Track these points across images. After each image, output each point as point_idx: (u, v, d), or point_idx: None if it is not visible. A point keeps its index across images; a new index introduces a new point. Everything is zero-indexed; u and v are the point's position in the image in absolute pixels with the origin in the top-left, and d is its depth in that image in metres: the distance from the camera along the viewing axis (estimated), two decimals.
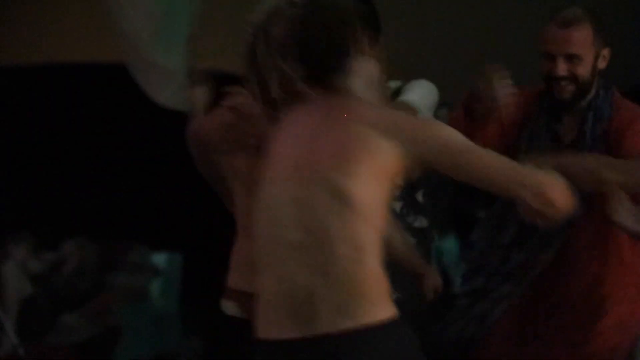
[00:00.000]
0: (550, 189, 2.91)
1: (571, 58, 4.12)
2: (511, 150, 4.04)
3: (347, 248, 2.90)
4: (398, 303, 2.92)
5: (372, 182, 2.94)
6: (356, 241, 2.91)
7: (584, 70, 4.12)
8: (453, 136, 2.97)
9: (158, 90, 5.57)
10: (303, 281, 2.90)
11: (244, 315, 3.30)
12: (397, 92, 4.16)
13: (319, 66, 3.01)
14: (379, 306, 2.88)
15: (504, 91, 4.06)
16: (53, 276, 7.63)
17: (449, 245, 7.01)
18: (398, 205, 4.33)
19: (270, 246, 2.98)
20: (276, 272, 2.95)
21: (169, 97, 5.50)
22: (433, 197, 4.55)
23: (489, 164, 2.96)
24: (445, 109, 5.45)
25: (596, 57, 4.13)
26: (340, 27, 3.01)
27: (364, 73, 3.05)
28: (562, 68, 4.11)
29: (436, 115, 4.28)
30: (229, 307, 3.40)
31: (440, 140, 2.96)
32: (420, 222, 4.45)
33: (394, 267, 3.23)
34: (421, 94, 4.21)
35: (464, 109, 4.11)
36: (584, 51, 4.12)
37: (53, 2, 8.00)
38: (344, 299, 2.86)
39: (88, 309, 7.52)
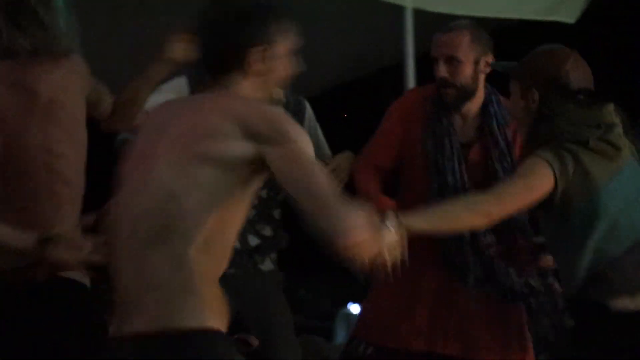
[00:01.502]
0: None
1: (451, 60, 4.10)
2: (415, 145, 4.20)
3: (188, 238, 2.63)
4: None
5: (220, 170, 2.66)
6: (198, 234, 2.63)
7: (463, 74, 4.11)
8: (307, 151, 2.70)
9: None
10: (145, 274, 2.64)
11: None
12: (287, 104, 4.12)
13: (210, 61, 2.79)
14: (203, 313, 2.63)
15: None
16: None
17: None
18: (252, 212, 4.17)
19: (121, 236, 2.71)
20: (128, 265, 2.69)
21: None
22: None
23: (323, 187, 2.65)
24: None
25: (476, 62, 4.13)
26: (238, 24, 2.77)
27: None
28: (442, 70, 4.10)
29: None
30: None
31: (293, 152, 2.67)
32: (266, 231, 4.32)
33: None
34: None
35: None
36: (462, 54, 4.09)
37: None
38: (169, 297, 2.61)
39: None
